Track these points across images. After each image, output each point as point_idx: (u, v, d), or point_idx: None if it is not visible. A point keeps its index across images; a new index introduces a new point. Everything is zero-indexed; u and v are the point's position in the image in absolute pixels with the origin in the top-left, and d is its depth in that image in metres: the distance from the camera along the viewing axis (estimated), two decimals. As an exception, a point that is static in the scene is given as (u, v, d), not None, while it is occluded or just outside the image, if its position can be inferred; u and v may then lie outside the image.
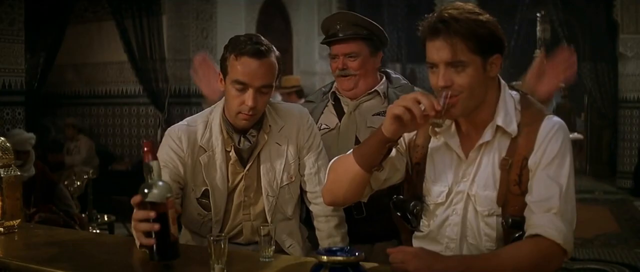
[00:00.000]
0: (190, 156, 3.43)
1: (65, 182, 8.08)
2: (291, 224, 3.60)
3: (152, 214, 2.65)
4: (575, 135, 13.04)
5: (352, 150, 2.92)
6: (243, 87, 3.28)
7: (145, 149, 2.75)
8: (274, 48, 3.41)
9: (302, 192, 3.65)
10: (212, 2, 13.07)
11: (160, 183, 2.70)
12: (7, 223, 3.39)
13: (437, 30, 2.67)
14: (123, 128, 13.24)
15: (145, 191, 2.68)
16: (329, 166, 3.10)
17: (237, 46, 3.31)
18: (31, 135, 6.66)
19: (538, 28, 14.67)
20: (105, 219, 8.86)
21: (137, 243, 2.86)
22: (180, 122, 3.54)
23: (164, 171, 3.25)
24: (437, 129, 2.73)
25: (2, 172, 3.37)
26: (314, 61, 16.71)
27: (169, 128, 3.54)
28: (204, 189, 3.43)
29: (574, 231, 2.65)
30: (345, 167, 2.92)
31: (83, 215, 7.53)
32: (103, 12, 12.45)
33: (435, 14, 2.73)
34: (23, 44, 9.49)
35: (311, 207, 3.62)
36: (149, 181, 2.70)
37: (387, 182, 3.00)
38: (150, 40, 12.10)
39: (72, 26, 12.06)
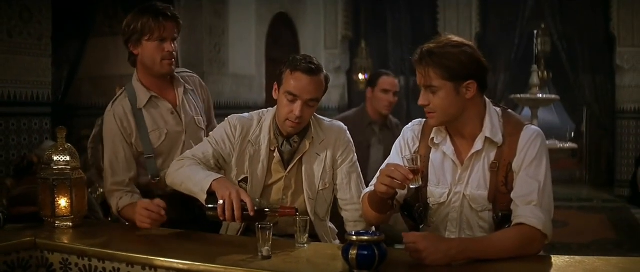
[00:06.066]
0: (240, 144, 4.01)
1: (89, 190, 8.49)
2: (324, 224, 4.14)
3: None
4: (570, 144, 13.43)
5: (368, 195, 3.59)
6: (294, 98, 3.83)
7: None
8: (324, 69, 3.98)
9: (335, 199, 4.21)
10: (224, 18, 13.34)
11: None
12: (76, 218, 3.93)
13: (417, 61, 3.35)
14: (139, 139, 13.56)
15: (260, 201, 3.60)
16: (361, 197, 3.82)
17: (293, 63, 3.88)
18: (64, 148, 7.11)
19: (538, 41, 14.99)
20: (126, 224, 9.29)
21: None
22: (241, 114, 4.13)
23: (213, 147, 4.01)
24: (412, 187, 3.32)
25: (71, 174, 3.91)
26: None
27: (229, 116, 4.12)
28: (244, 176, 4.00)
29: (552, 219, 3.27)
30: (367, 208, 3.63)
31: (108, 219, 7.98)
32: (119, 27, 12.49)
33: (421, 46, 3.38)
34: (50, 58, 9.80)
35: (342, 213, 4.19)
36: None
37: (409, 193, 3.61)
38: (165, 55, 12.46)
39: (90, 40, 12.39)
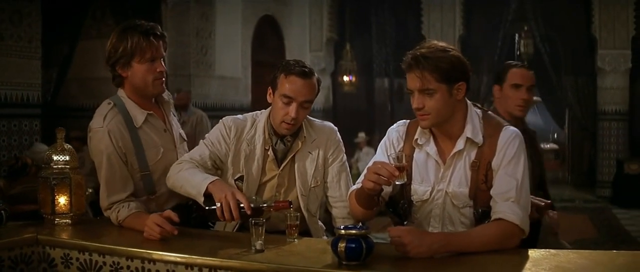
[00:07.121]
0: (235, 144, 4.18)
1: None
2: (315, 220, 4.33)
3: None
4: (551, 145, 13.63)
5: (355, 192, 3.75)
6: (289, 100, 4.01)
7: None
8: (315, 72, 4.16)
9: (325, 196, 4.38)
10: (211, 21, 13.56)
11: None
12: (74, 215, 4.11)
13: (411, 65, 3.48)
14: (126, 139, 13.57)
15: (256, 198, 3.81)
16: (348, 193, 3.97)
17: (287, 67, 4.07)
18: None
19: (521, 43, 15.14)
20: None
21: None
22: (234, 115, 4.29)
23: (209, 149, 4.17)
24: (398, 183, 3.51)
25: (70, 174, 4.07)
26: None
27: (224, 118, 4.27)
28: (240, 175, 4.17)
29: (529, 215, 3.44)
30: (354, 204, 3.77)
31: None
32: (107, 30, 12.63)
33: (412, 52, 3.52)
34: (40, 60, 9.95)
35: (331, 210, 4.36)
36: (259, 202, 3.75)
37: (394, 190, 3.79)
38: (152, 57, 12.46)
39: (78, 43, 12.41)
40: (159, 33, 4.15)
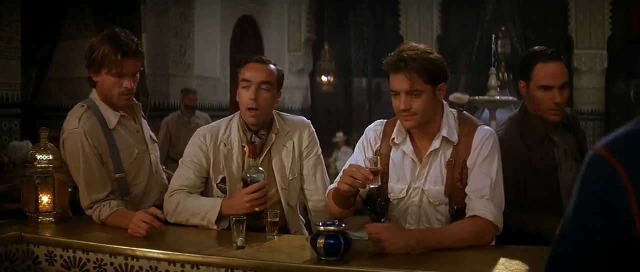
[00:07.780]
0: (213, 149, 4.23)
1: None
2: (296, 214, 4.39)
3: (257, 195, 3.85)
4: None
5: (333, 192, 3.84)
6: (248, 84, 4.13)
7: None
8: (276, 64, 4.31)
9: (302, 189, 4.44)
10: (190, 21, 13.54)
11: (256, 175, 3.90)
12: (57, 214, 4.18)
13: (399, 67, 3.54)
14: (105, 139, 13.55)
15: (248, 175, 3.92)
16: (327, 192, 4.04)
17: (246, 60, 4.25)
18: (35, 149, 7.26)
19: (498, 44, 15.22)
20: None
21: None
22: (208, 124, 4.44)
23: (191, 168, 4.21)
24: (372, 186, 3.57)
25: (54, 172, 4.14)
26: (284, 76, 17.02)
27: (198, 130, 4.38)
28: (222, 177, 4.22)
29: (503, 212, 3.53)
30: (332, 204, 3.86)
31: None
32: (86, 30, 12.61)
33: (396, 54, 3.59)
34: (20, 60, 9.97)
35: (307, 204, 4.44)
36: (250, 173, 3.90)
37: (371, 190, 3.84)
38: (132, 57, 12.44)
39: (58, 43, 12.44)
40: (131, 51, 4.15)
